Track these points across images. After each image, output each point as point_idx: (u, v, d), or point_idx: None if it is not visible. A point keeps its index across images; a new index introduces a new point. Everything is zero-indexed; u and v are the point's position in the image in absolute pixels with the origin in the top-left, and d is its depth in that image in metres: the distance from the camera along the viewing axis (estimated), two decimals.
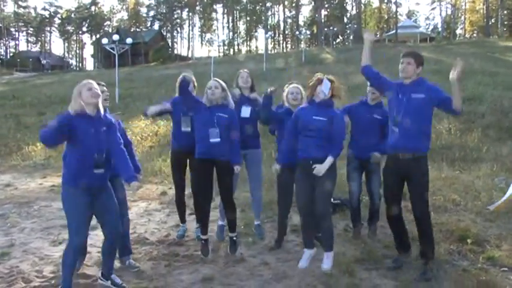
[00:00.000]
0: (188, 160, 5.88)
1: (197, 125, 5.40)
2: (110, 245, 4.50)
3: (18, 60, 76.23)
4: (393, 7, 76.84)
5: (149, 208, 7.87)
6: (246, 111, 5.90)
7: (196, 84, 5.99)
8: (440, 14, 79.18)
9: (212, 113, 5.24)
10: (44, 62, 75.89)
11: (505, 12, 72.09)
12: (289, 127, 5.10)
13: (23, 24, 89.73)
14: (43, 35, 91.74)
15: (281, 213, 5.76)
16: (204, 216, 5.46)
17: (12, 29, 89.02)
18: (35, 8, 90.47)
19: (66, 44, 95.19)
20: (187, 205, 6.36)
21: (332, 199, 6.97)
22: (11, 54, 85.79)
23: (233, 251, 5.41)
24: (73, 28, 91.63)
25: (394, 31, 63.03)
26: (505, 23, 72.44)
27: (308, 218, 5.01)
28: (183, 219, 6.30)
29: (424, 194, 4.77)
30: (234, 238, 5.47)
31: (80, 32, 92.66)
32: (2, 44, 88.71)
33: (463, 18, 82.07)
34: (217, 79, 5.44)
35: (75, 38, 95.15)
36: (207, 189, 5.38)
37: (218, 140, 5.21)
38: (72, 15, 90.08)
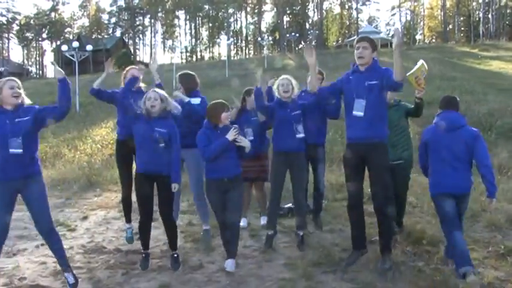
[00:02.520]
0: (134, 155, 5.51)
1: (137, 137, 5.12)
2: (44, 238, 4.62)
3: None
4: (354, 13, 78.25)
5: (108, 216, 7.74)
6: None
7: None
8: (400, 20, 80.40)
9: (151, 127, 4.98)
10: (2, 69, 73.70)
11: (462, 18, 74.14)
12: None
13: None
14: (1, 41, 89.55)
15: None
16: (144, 231, 5.28)
17: None
18: None
19: (26, 51, 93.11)
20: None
21: (291, 204, 7.02)
22: None
23: (176, 268, 5.15)
24: (32, 35, 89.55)
25: (355, 37, 63.98)
26: (462, 29, 74.50)
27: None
28: (128, 219, 6.10)
29: (386, 176, 4.75)
30: (176, 256, 5.25)
31: (40, 39, 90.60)
32: None
33: (422, 24, 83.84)
34: (157, 90, 5.18)
35: (34, 45, 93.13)
36: (149, 203, 5.17)
37: (160, 154, 4.99)
38: (32, 22, 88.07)
